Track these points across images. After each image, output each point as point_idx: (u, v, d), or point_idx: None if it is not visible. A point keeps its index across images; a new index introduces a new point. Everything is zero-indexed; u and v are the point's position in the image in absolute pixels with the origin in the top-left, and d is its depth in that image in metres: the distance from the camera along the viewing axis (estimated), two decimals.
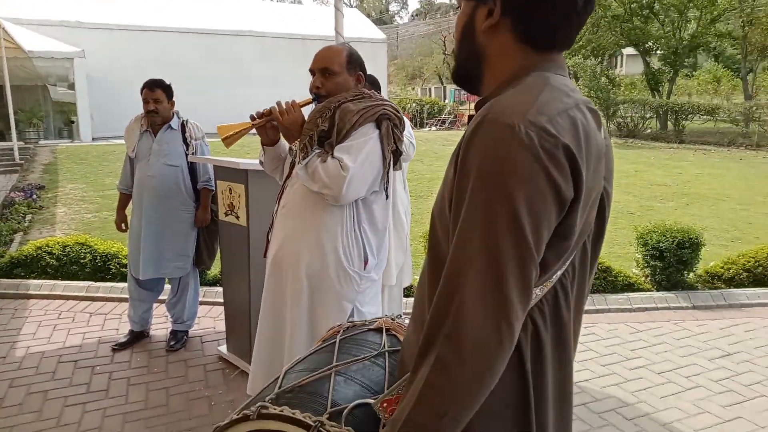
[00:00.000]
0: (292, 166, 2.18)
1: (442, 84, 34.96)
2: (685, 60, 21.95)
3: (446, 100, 27.98)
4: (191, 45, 16.32)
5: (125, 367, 3.30)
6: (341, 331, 1.39)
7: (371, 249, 2.16)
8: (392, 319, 1.42)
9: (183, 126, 3.49)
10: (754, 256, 4.41)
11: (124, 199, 3.64)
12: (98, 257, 4.53)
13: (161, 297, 3.73)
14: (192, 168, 3.49)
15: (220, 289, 4.35)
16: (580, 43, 21.32)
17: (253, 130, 2.24)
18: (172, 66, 15.38)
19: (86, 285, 4.36)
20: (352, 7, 37.11)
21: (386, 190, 2.16)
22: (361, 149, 2.00)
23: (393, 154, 2.11)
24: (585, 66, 18.48)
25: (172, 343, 3.53)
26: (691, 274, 4.34)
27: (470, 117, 1.05)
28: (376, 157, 2.04)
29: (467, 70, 1.01)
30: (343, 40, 3.91)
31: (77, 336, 3.68)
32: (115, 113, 15.36)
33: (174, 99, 3.48)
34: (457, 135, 16.32)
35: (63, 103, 15.46)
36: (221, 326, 3.82)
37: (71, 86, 14.95)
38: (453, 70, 1.05)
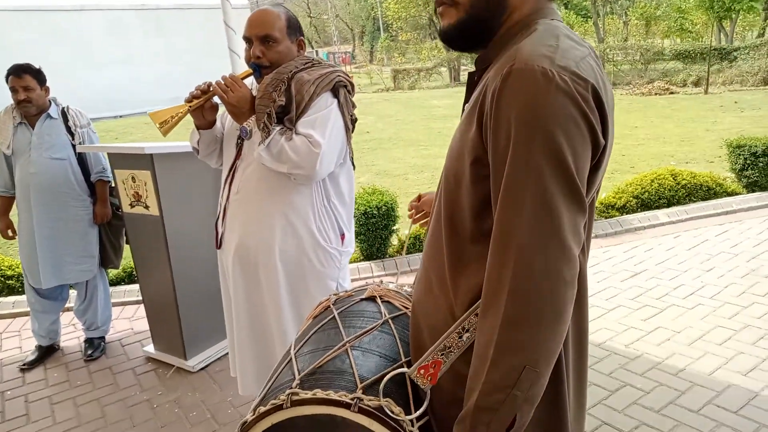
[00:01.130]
0: (240, 147, 1.99)
1: (313, 48, 34.36)
2: None
3: None
4: (26, 24, 14.47)
5: (42, 386, 2.97)
6: (331, 305, 1.34)
7: (344, 222, 2.06)
8: (378, 285, 1.40)
9: (64, 114, 3.12)
10: (640, 184, 4.87)
11: (6, 202, 3.20)
12: None
13: (68, 304, 3.38)
14: (81, 159, 3.14)
15: (129, 287, 4.05)
16: None
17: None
18: (5, 49, 13.65)
19: None
20: None
21: (352, 160, 2.06)
22: (326, 122, 1.86)
23: (352, 122, 2.00)
24: None
25: (89, 352, 3.22)
26: None
27: (470, 74, 1.02)
28: (340, 128, 1.91)
29: (482, 22, 0.94)
30: (218, 6, 3.64)
31: None
32: None
33: (48, 84, 3.08)
34: None
35: None
36: (139, 326, 3.57)
37: None
38: (455, 25, 0.95)
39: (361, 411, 0.94)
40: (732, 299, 3.27)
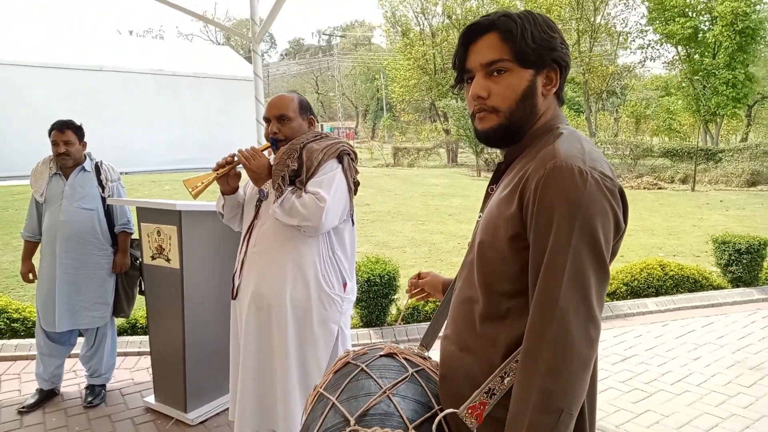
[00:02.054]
0: (258, 208, 2.29)
1: (318, 122, 35.45)
2: None
3: None
4: (49, 81, 15.09)
5: (39, 429, 3.00)
6: (351, 361, 1.43)
7: (347, 272, 2.33)
8: (391, 344, 1.53)
9: (97, 167, 3.33)
10: (630, 272, 5.09)
11: (31, 247, 3.35)
12: None
13: (74, 351, 3.45)
14: (107, 211, 3.33)
15: (131, 338, 4.12)
16: (447, 87, 22.84)
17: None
18: (22, 103, 14.14)
19: None
20: (221, 44, 36.61)
21: (352, 217, 2.34)
22: (332, 182, 2.17)
23: (354, 185, 2.31)
24: (455, 107, 19.88)
25: (90, 399, 3.26)
26: None
27: (499, 164, 1.25)
28: (344, 188, 2.22)
29: (518, 127, 1.15)
30: (253, 81, 4.00)
31: None
32: None
33: (85, 140, 3.32)
34: None
35: None
36: (140, 377, 3.62)
37: None
38: (495, 128, 1.15)
39: None
40: (718, 388, 3.40)
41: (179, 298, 3.02)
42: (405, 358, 1.43)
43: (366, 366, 1.38)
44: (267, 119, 2.29)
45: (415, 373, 1.33)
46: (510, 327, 1.08)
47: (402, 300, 4.68)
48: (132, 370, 3.74)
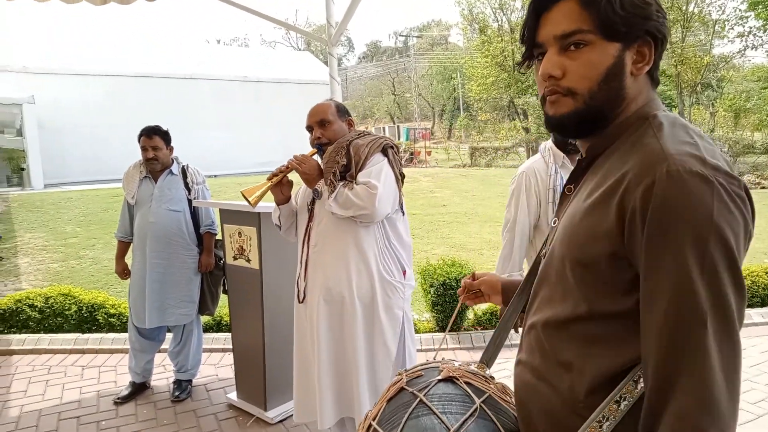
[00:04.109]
0: (311, 211, 2.39)
1: (394, 123, 35.71)
2: None
3: (401, 139, 28.59)
4: (141, 89, 16.12)
5: (132, 420, 3.17)
6: (405, 387, 1.29)
7: (404, 260, 2.42)
8: (445, 364, 1.36)
9: (184, 171, 3.48)
10: None
11: (124, 247, 3.55)
12: (84, 308, 4.36)
13: (163, 346, 3.62)
14: (194, 213, 3.46)
15: (216, 335, 4.27)
16: (529, 83, 22.31)
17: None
18: (122, 110, 15.15)
19: (74, 337, 4.18)
20: (301, 50, 37.65)
21: (402, 207, 2.42)
22: (380, 172, 2.27)
23: (401, 175, 2.39)
24: (535, 104, 19.34)
25: (177, 393, 3.41)
26: None
27: (579, 160, 1.05)
28: (392, 178, 2.32)
29: (600, 114, 0.94)
30: (337, 84, 4.03)
31: (73, 391, 3.51)
32: (65, 159, 14.95)
33: (172, 144, 3.47)
34: (416, 171, 16.62)
35: (10, 149, 14.87)
36: (224, 373, 3.74)
37: (18, 132, 14.44)
38: (570, 114, 0.95)
39: None
40: None
41: (259, 297, 3.09)
42: (467, 382, 1.26)
43: (425, 396, 1.23)
44: (309, 128, 2.40)
45: (482, 405, 1.18)
46: (601, 356, 0.91)
47: (480, 305, 4.57)
48: (217, 366, 3.88)
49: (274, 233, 3.11)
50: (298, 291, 2.45)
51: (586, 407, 0.91)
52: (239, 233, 3.16)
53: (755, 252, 6.93)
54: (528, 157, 22.07)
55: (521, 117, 26.69)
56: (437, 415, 1.16)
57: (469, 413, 1.16)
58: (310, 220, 2.41)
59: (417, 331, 4.18)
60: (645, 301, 0.84)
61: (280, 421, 3.12)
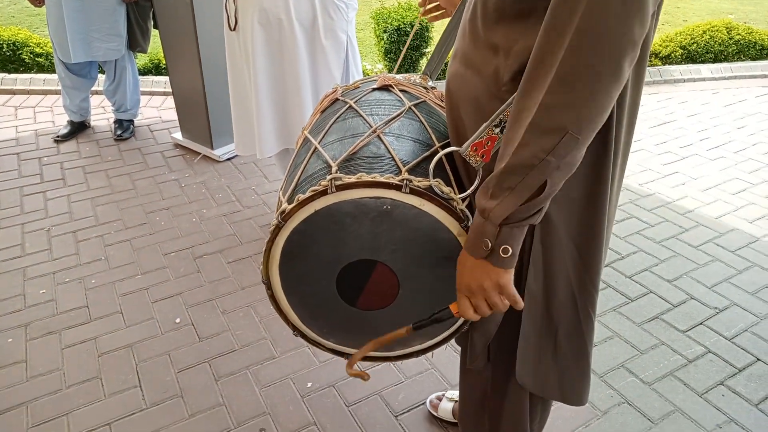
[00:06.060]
0: None
1: None
2: None
3: None
4: None
5: (75, 157, 3.13)
6: (339, 97, 1.26)
7: None
8: (386, 75, 1.32)
9: None
10: (690, 34, 4.57)
11: None
12: (4, 45, 3.98)
13: (98, 88, 3.42)
14: None
15: (156, 78, 4.06)
16: None
17: None
18: None
19: (0, 77, 3.89)
20: None
21: None
22: None
23: None
24: None
25: (119, 132, 3.33)
26: None
27: None
28: None
29: None
30: None
31: (9, 130, 3.39)
32: None
33: None
34: None
35: None
36: (167, 115, 3.64)
37: None
38: None
39: (412, 192, 0.91)
40: (757, 156, 3.25)
41: (192, 32, 2.83)
42: (402, 91, 1.23)
43: (355, 102, 1.19)
44: None
45: (413, 107, 1.15)
46: (530, 32, 0.79)
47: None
48: (159, 108, 3.75)
49: None
50: (228, 16, 2.18)
51: (508, 91, 0.86)
52: None
53: (721, 12, 6.73)
54: None
55: None
56: (363, 117, 1.13)
57: (395, 114, 1.12)
58: None
59: None
60: None
61: (228, 159, 3.13)
